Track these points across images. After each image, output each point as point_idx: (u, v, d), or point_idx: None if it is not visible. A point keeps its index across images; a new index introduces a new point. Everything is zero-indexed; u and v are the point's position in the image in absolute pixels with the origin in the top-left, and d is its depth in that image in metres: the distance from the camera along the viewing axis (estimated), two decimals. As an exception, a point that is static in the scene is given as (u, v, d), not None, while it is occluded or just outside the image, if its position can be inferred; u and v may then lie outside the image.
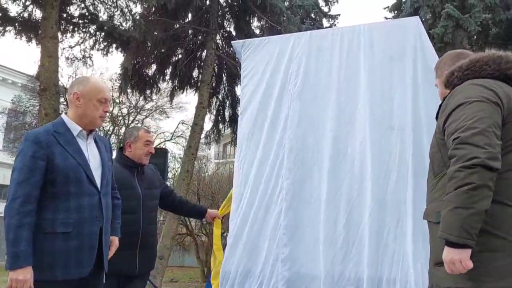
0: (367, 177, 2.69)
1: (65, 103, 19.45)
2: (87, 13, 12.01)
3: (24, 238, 2.15)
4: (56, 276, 2.25)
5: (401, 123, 2.71)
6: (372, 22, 3.15)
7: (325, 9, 15.41)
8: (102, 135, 23.95)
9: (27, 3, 10.93)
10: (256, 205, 2.93)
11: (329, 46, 3.02)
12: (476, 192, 1.54)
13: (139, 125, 24.30)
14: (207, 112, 15.23)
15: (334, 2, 15.31)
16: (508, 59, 1.87)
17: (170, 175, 17.90)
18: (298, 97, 2.99)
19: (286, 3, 13.34)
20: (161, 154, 5.42)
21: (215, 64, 14.87)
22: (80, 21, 13.08)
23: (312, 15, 15.12)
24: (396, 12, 14.16)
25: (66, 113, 2.54)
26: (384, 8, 14.15)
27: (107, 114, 2.62)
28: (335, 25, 15.08)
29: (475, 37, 12.69)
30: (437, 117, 1.99)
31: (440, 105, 1.96)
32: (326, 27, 13.74)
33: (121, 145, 3.27)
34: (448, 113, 1.77)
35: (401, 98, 2.76)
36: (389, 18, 13.42)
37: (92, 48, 13.77)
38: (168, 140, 23.86)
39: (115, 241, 2.63)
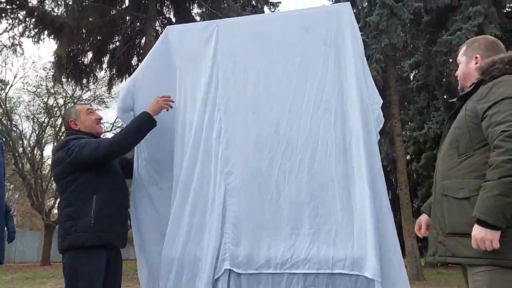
0: (305, 158, 2.71)
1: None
2: (15, -2, 11.34)
3: None
4: None
5: (335, 105, 2.76)
6: (305, 8, 3.16)
7: (266, -4, 15.43)
8: (36, 127, 22.91)
9: None
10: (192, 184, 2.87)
11: (261, 31, 3.00)
12: None
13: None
14: (148, 101, 14.85)
15: (275, -10, 15.36)
16: None
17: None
18: (228, 84, 2.94)
19: (227, -10, 13.23)
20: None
21: (154, 52, 14.50)
22: (8, 6, 12.32)
23: (253, 2, 15.13)
24: (334, 0, 14.46)
25: None
26: (323, -4, 14.39)
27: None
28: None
29: (408, 25, 13.21)
30: (460, 99, 2.13)
31: (472, 91, 2.04)
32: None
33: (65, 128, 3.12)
34: (493, 102, 1.88)
35: (335, 82, 2.80)
36: (328, 6, 13.66)
37: (21, 35, 13.03)
38: (108, 131, 23.04)
39: None
